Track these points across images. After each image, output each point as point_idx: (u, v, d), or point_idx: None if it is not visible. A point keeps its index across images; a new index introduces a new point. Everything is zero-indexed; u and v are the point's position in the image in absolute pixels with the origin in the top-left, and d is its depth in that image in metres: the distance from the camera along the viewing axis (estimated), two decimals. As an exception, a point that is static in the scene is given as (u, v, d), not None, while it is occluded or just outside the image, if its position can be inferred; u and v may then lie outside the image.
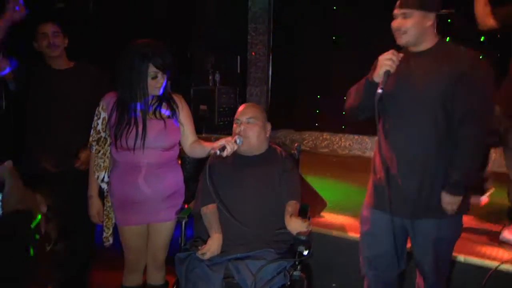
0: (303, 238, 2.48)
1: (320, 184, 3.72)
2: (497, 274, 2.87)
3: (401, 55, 2.28)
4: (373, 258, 2.57)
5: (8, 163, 1.21)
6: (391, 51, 2.28)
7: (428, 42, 2.36)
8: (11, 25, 2.98)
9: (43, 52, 3.21)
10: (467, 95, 2.26)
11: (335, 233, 3.40)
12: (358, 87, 2.43)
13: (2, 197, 1.14)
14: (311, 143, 6.98)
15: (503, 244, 3.19)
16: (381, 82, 2.22)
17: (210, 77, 7.17)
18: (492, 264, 2.92)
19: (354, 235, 3.14)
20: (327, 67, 6.54)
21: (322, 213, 3.71)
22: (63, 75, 3.24)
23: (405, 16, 2.30)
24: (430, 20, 2.30)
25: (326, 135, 6.89)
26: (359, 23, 6.20)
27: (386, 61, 2.25)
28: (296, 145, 3.11)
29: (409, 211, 2.40)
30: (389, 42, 2.42)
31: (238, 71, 7.45)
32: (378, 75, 2.26)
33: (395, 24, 2.34)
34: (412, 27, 2.30)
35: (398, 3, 2.35)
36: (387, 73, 2.23)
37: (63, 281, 3.35)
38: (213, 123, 6.76)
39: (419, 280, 2.60)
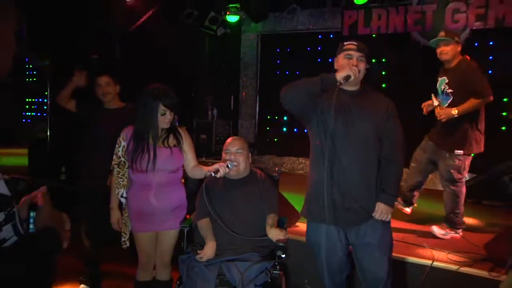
0: (281, 244, 2.50)
1: (296, 200, 3.72)
2: (432, 270, 2.89)
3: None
4: (330, 263, 2.46)
5: (43, 188, 1.23)
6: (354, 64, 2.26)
7: (359, 85, 2.39)
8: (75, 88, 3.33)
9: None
10: (393, 129, 2.33)
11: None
12: (308, 80, 2.25)
13: (36, 215, 1.16)
14: (289, 166, 6.98)
15: (434, 247, 3.19)
16: (341, 81, 2.16)
17: (209, 112, 7.27)
18: (427, 262, 2.93)
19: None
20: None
21: (297, 223, 3.71)
22: (112, 113, 3.30)
23: (362, 59, 2.31)
24: None
25: (302, 159, 6.91)
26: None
27: (353, 68, 2.20)
28: (276, 169, 3.13)
29: (358, 217, 2.32)
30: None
31: (232, 107, 7.54)
32: (340, 76, 2.18)
33: (354, 62, 2.27)
34: (363, 69, 2.32)
35: (354, 46, 2.31)
36: (348, 77, 2.18)
37: (92, 274, 3.41)
38: (211, 149, 6.79)
39: None
